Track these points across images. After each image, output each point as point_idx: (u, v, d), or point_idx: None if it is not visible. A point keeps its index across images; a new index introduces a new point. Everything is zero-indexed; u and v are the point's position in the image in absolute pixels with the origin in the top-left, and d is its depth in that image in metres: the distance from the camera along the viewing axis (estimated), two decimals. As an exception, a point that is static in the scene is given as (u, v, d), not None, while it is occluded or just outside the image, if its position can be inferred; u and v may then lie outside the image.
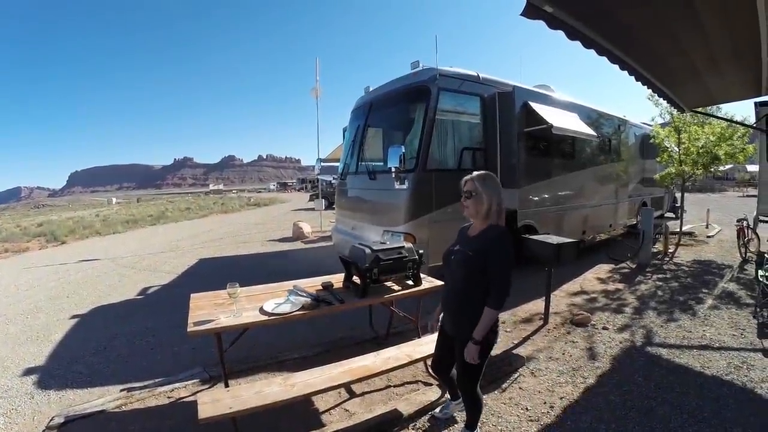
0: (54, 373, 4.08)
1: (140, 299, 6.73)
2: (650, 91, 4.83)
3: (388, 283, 3.46)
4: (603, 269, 7.53)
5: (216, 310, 2.98)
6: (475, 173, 2.39)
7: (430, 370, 2.83)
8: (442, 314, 2.62)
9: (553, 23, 2.68)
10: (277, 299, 3.12)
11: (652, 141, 10.35)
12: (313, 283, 3.54)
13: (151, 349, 4.59)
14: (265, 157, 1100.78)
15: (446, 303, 2.55)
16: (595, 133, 8.02)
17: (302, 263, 8.96)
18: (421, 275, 3.60)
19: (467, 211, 2.39)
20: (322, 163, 11.74)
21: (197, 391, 3.49)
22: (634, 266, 7.69)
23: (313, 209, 20.53)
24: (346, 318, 4.84)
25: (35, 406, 3.49)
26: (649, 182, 11.36)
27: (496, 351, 3.98)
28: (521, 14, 2.47)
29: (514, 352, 4.11)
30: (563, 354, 4.07)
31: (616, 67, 3.65)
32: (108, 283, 7.86)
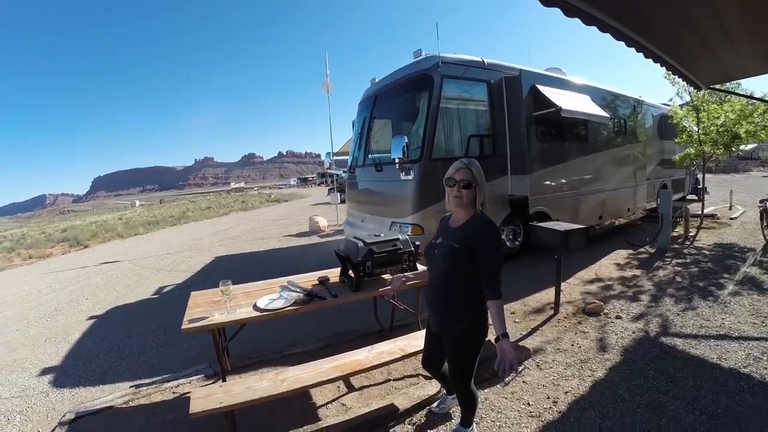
0: (69, 372, 4.22)
1: (155, 299, 6.82)
2: (664, 69, 4.62)
3: (386, 276, 3.38)
4: (620, 255, 7.30)
5: (212, 308, 3.00)
6: (466, 160, 2.25)
7: (422, 365, 2.74)
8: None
9: (570, 11, 2.57)
10: (271, 295, 3.10)
11: (670, 121, 9.99)
12: (310, 278, 3.51)
13: (162, 346, 4.66)
14: (285, 153, 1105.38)
15: (430, 299, 2.41)
16: (608, 115, 7.79)
17: (315, 257, 8.95)
18: (420, 267, 3.51)
19: (459, 201, 2.22)
20: (335, 157, 11.72)
21: (201, 386, 3.51)
22: (653, 251, 7.45)
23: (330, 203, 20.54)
24: (353, 311, 4.83)
25: (50, 403, 3.61)
26: (669, 164, 11.01)
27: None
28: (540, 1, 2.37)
29: (521, 343, 3.95)
30: (572, 345, 3.92)
31: (623, 43, 3.48)
32: (126, 284, 7.99)
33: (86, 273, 9.58)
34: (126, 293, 7.26)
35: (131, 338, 4.99)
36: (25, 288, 8.63)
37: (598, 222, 8.57)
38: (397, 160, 5.51)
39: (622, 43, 3.39)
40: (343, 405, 3.15)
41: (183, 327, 2.76)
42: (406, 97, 6.57)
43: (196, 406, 2.47)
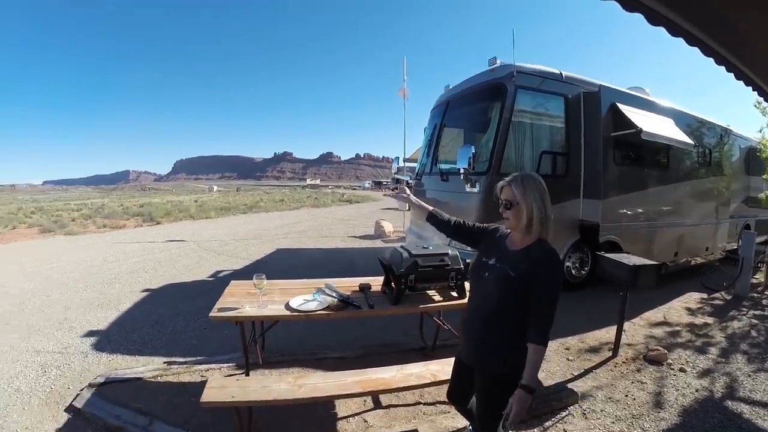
0: (111, 338, 4.49)
1: (210, 281, 6.98)
2: (756, 95, 4.11)
3: (431, 292, 3.15)
4: (693, 298, 6.60)
5: (245, 299, 2.97)
6: (512, 176, 1.97)
7: (447, 398, 2.47)
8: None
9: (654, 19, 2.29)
10: (306, 296, 2.99)
11: (759, 155, 8.97)
12: (351, 283, 3.35)
13: (204, 329, 4.71)
14: (362, 155, 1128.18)
15: (468, 327, 2.11)
16: (692, 142, 7.09)
17: (370, 261, 8.84)
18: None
19: (507, 223, 1.99)
20: (405, 163, 11.60)
21: (229, 375, 3.61)
22: (729, 298, 6.67)
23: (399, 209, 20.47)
24: (400, 323, 4.63)
25: (86, 364, 3.85)
26: (755, 202, 9.87)
27: (549, 381, 3.57)
28: (619, 2, 2.13)
29: (569, 385, 3.54)
30: (626, 396, 3.48)
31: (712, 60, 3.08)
32: (186, 263, 8.29)
33: (151, 248, 10.08)
34: (184, 272, 7.53)
35: (178, 316, 5.14)
36: (91, 254, 9.21)
37: (673, 259, 7.83)
38: (462, 171, 5.28)
39: (711, 61, 3.00)
40: (365, 422, 2.98)
41: (211, 314, 2.74)
42: (478, 106, 6.32)
43: (209, 395, 2.48)
